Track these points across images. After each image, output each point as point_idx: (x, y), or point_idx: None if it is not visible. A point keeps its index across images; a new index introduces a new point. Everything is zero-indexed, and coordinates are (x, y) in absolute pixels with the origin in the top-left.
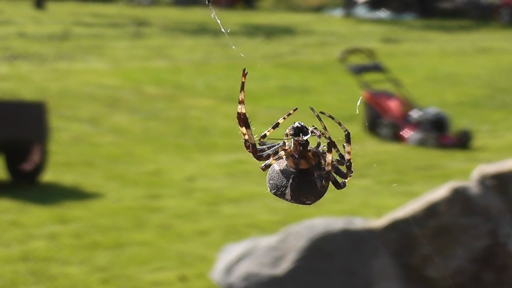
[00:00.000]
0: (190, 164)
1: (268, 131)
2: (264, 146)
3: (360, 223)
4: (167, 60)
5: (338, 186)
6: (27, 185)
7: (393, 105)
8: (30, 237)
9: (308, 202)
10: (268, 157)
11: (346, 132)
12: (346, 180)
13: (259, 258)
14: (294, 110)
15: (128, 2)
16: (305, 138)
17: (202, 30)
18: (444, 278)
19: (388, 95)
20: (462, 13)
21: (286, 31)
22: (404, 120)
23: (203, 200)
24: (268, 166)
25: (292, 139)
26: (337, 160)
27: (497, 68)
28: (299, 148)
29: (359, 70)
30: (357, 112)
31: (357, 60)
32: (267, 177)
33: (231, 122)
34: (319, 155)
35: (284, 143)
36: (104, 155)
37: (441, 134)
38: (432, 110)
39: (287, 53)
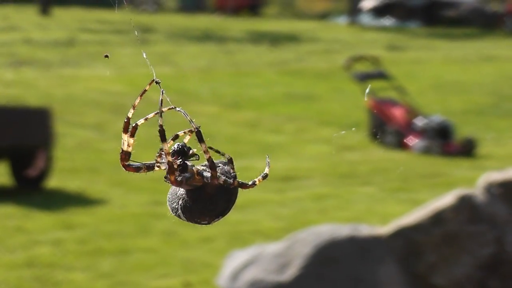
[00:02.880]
0: None
1: (168, 142)
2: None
3: (366, 230)
4: (172, 67)
5: (244, 185)
6: (32, 191)
7: (398, 112)
8: (35, 243)
9: (203, 222)
10: (139, 168)
11: (196, 129)
12: (258, 179)
13: (265, 264)
14: (170, 108)
15: (133, 8)
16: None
17: (206, 36)
18: (450, 285)
19: (393, 103)
20: (466, 21)
21: (291, 38)
22: (409, 128)
23: None
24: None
25: (170, 162)
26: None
27: (502, 76)
28: (178, 169)
29: (364, 78)
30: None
31: (362, 67)
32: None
33: (236, 128)
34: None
35: (157, 165)
36: (109, 161)
37: (445, 142)
38: (437, 118)
39: (292, 60)
